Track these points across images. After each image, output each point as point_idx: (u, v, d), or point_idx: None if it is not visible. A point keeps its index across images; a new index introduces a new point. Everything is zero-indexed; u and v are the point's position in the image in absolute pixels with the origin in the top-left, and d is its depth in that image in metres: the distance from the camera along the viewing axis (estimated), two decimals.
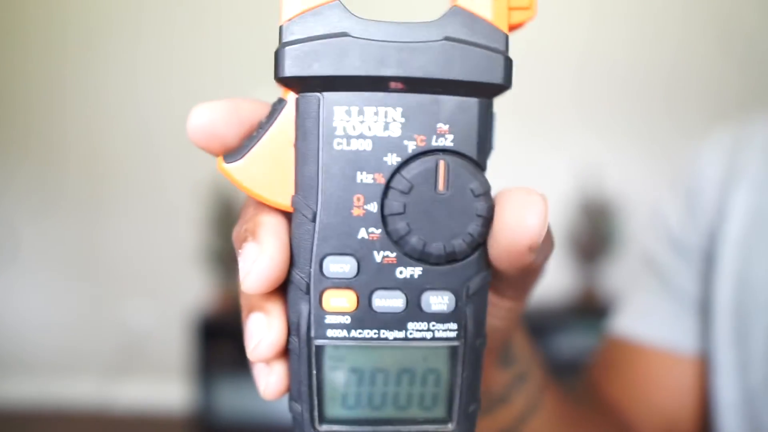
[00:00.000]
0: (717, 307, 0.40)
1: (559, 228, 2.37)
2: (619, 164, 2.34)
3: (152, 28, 2.52)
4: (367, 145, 0.18)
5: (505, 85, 0.19)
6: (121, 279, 2.59)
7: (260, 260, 0.17)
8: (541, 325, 2.19)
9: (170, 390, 2.53)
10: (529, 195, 0.19)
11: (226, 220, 2.34)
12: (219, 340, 2.23)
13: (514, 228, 0.18)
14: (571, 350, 2.12)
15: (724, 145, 0.44)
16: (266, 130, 0.19)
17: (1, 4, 2.57)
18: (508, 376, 0.28)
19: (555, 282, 2.37)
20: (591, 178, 2.31)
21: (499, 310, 0.22)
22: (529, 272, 0.20)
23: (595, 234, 2.26)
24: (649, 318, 0.45)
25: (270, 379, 0.19)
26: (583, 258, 2.28)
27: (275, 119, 0.19)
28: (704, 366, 0.43)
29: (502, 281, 0.20)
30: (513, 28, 0.20)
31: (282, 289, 0.19)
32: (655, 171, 2.29)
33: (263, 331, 0.18)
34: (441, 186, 0.18)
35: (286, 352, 0.19)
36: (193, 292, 2.48)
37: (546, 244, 0.20)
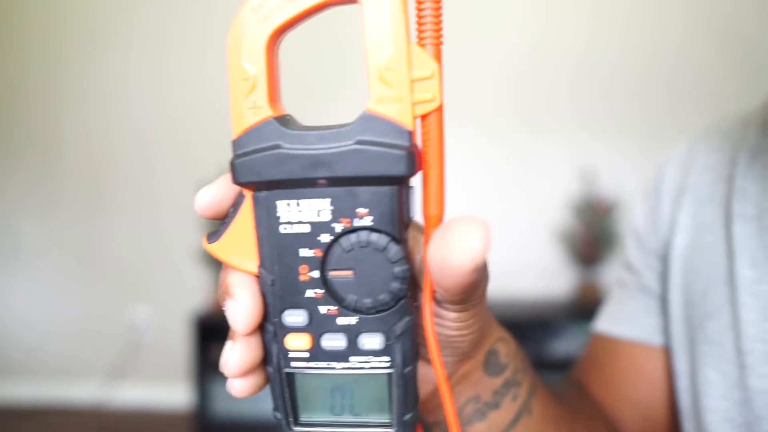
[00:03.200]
0: (671, 314, 0.43)
1: (558, 228, 2.37)
2: (619, 165, 2.34)
3: (151, 30, 2.52)
4: (305, 228, 0.23)
5: (408, 175, 0.22)
6: (122, 280, 2.59)
7: (240, 310, 0.23)
8: (540, 324, 2.19)
9: (170, 389, 2.53)
10: (472, 222, 0.21)
11: None
12: (217, 340, 2.23)
13: (459, 250, 0.21)
14: (569, 348, 2.13)
15: (679, 162, 0.47)
16: (232, 219, 0.24)
17: (5, 5, 2.57)
18: (497, 383, 0.31)
19: (554, 281, 2.37)
20: (590, 178, 2.31)
21: (447, 322, 0.25)
22: (471, 289, 0.23)
23: (594, 234, 2.26)
24: (622, 314, 0.48)
25: (244, 386, 0.25)
26: (582, 258, 2.28)
27: (238, 210, 0.24)
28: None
29: (446, 299, 0.24)
30: (423, 116, 0.22)
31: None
32: (653, 171, 2.29)
33: (234, 355, 0.24)
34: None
35: (266, 378, 0.26)
36: (192, 292, 2.48)
37: (483, 269, 0.23)
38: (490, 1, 2.40)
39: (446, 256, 0.21)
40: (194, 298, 2.45)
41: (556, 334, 2.18)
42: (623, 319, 0.48)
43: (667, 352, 0.45)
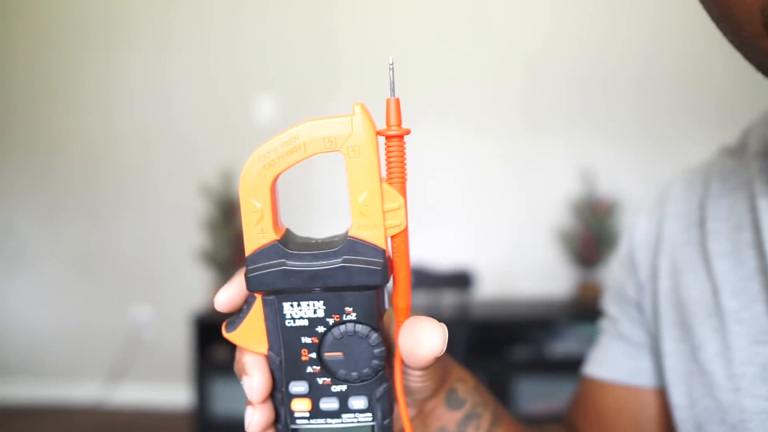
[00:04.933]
0: (664, 350, 0.48)
1: (558, 228, 2.37)
2: (618, 165, 2.34)
3: (152, 32, 2.52)
4: (305, 323, 0.29)
5: (383, 284, 0.28)
6: (122, 280, 2.60)
7: (254, 385, 0.30)
8: (540, 324, 2.19)
9: (170, 389, 2.54)
10: (434, 324, 0.29)
11: (225, 224, 2.34)
12: (216, 340, 2.23)
13: (425, 347, 0.29)
14: (569, 348, 2.13)
15: (650, 212, 0.53)
16: (246, 314, 0.30)
17: (5, 6, 2.57)
18: (458, 415, 0.37)
19: (554, 281, 2.38)
20: (590, 178, 2.32)
21: (413, 377, 0.32)
22: (431, 366, 0.31)
23: (594, 234, 2.26)
24: (604, 358, 0.54)
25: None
26: (582, 258, 2.29)
27: (251, 308, 0.30)
28: (662, 397, 0.50)
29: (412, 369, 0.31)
30: (393, 236, 0.29)
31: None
32: (653, 172, 2.30)
33: (255, 418, 0.31)
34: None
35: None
36: (192, 292, 2.48)
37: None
38: (492, 1, 2.40)
39: (414, 349, 0.29)
40: (194, 298, 2.45)
41: (556, 334, 2.18)
42: (605, 362, 0.54)
43: (645, 390, 0.51)
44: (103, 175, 2.57)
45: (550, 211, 2.38)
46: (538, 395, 2.11)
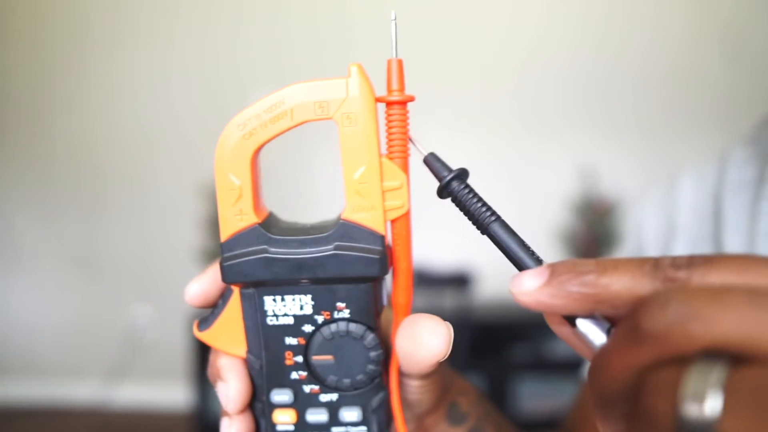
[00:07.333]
0: None
1: (558, 228, 2.37)
2: (619, 164, 2.34)
3: (150, 31, 2.52)
4: (290, 320, 0.25)
5: (381, 276, 0.25)
6: (122, 280, 2.59)
7: (231, 393, 0.26)
8: (540, 324, 2.19)
9: (170, 389, 2.53)
10: (437, 322, 0.25)
11: None
12: None
13: (426, 350, 0.25)
14: (569, 348, 2.12)
15: (658, 205, 0.52)
16: (222, 310, 0.26)
17: (5, 4, 2.57)
18: (461, 431, 0.34)
19: None
20: (590, 177, 2.31)
21: (411, 388, 0.29)
22: (432, 372, 0.27)
23: (595, 234, 2.26)
24: None
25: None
26: (583, 258, 2.28)
27: (227, 302, 0.26)
28: None
29: (410, 377, 0.27)
30: (393, 220, 0.25)
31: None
32: (654, 171, 2.30)
33: (230, 431, 0.27)
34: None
35: None
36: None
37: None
38: (491, 0, 2.40)
39: (413, 351, 0.25)
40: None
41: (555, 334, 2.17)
42: None
43: None
44: (104, 174, 2.57)
45: (550, 210, 2.37)
46: (538, 396, 2.11)
